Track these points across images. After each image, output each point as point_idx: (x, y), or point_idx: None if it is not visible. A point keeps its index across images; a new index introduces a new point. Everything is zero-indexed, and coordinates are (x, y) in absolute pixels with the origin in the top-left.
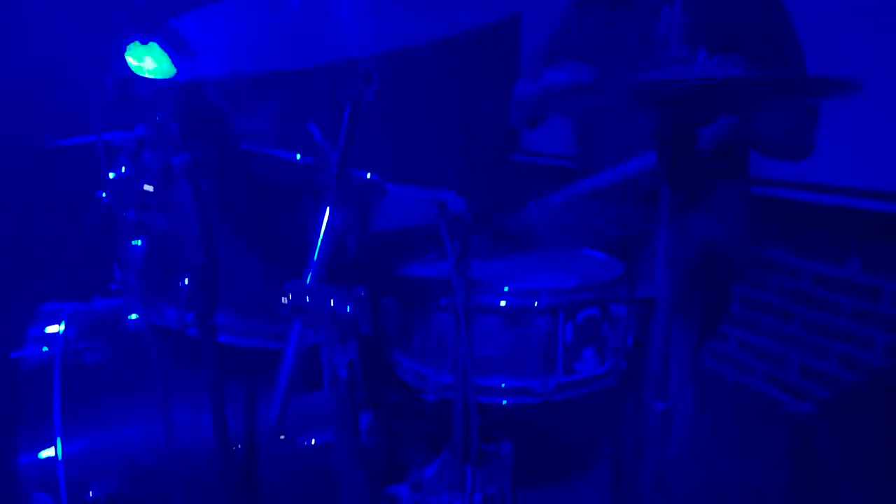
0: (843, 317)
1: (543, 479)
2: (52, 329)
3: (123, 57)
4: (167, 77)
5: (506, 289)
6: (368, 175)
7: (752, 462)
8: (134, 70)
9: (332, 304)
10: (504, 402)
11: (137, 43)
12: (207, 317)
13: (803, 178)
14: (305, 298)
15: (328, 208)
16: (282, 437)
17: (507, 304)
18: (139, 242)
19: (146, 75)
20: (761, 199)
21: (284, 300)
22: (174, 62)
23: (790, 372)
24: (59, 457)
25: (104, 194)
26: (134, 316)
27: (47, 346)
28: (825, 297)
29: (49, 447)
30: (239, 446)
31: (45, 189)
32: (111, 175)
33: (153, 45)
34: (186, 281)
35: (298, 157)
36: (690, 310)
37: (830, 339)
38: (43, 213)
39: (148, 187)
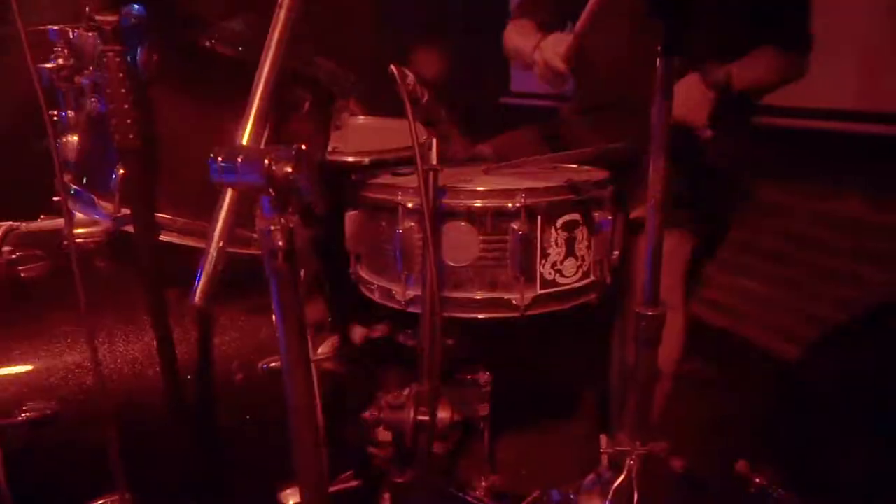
0: (842, 256)
1: (525, 407)
2: None
3: None
4: None
5: (479, 188)
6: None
7: (738, 407)
8: None
9: (267, 163)
10: (479, 316)
11: None
12: (143, 206)
13: (799, 104)
14: (237, 160)
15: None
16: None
17: (481, 205)
18: (75, 138)
19: None
20: (754, 129)
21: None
22: None
23: (781, 316)
24: None
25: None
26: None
27: None
28: (822, 236)
29: None
30: (189, 377)
31: None
32: (48, 65)
33: None
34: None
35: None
36: (685, 224)
37: (826, 281)
38: None
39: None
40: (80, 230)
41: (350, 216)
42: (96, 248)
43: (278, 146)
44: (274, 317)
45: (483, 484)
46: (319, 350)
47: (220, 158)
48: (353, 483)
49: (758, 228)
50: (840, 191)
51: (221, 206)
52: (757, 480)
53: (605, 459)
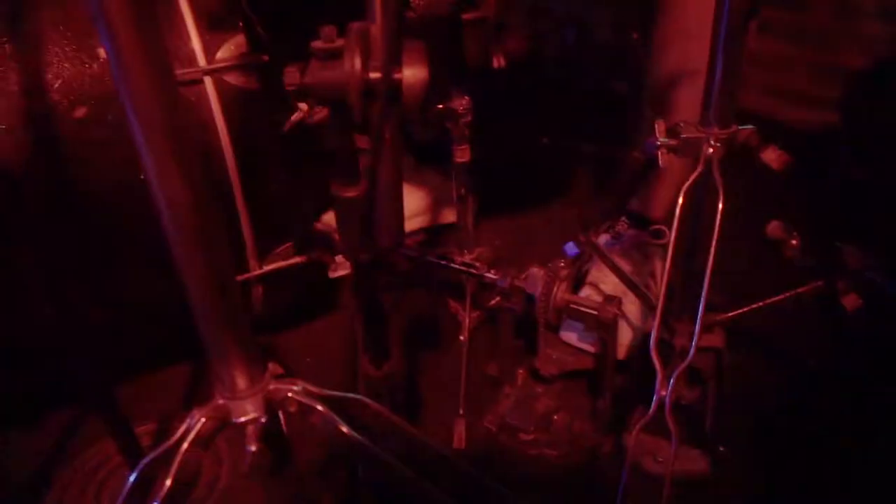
0: None
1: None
2: None
3: None
4: None
5: None
6: None
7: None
8: None
9: None
10: None
11: None
12: None
13: None
14: None
15: None
16: None
17: None
18: None
19: None
20: None
21: None
22: None
23: (796, 76)
24: None
25: None
26: None
27: None
28: None
29: None
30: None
31: None
32: None
33: None
34: None
35: None
36: None
37: (859, 18)
38: None
39: None
40: None
41: None
42: None
43: None
44: None
45: (468, 254)
46: (218, 54)
47: None
48: (296, 259)
49: None
50: None
51: None
52: (793, 242)
53: (661, 155)
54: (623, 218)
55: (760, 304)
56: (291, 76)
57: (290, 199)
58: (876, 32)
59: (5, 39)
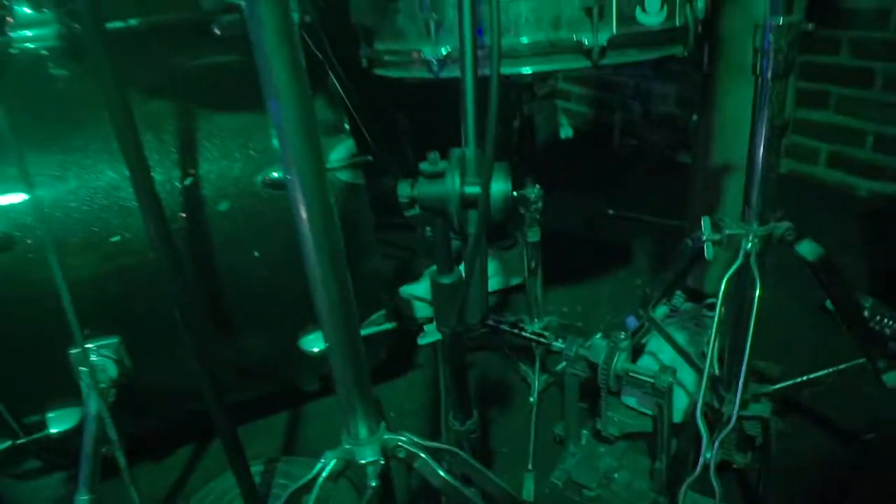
0: None
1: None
2: None
3: None
4: None
5: None
6: None
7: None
8: None
9: None
10: (529, 69)
11: None
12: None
13: None
14: None
15: None
16: None
17: None
18: None
19: None
20: None
21: None
22: None
23: (862, 148)
24: None
25: None
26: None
27: None
28: None
29: None
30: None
31: None
32: None
33: None
34: None
35: None
36: None
37: None
38: None
39: None
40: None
41: None
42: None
43: None
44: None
45: (537, 322)
46: (332, 155)
47: None
48: (388, 325)
49: (834, 45)
50: None
51: None
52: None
53: (707, 248)
54: (679, 292)
55: (804, 378)
56: (404, 189)
57: (381, 273)
58: None
59: (173, 150)
